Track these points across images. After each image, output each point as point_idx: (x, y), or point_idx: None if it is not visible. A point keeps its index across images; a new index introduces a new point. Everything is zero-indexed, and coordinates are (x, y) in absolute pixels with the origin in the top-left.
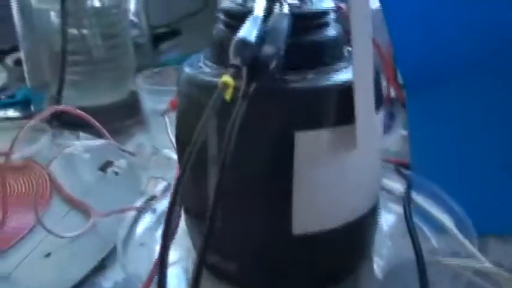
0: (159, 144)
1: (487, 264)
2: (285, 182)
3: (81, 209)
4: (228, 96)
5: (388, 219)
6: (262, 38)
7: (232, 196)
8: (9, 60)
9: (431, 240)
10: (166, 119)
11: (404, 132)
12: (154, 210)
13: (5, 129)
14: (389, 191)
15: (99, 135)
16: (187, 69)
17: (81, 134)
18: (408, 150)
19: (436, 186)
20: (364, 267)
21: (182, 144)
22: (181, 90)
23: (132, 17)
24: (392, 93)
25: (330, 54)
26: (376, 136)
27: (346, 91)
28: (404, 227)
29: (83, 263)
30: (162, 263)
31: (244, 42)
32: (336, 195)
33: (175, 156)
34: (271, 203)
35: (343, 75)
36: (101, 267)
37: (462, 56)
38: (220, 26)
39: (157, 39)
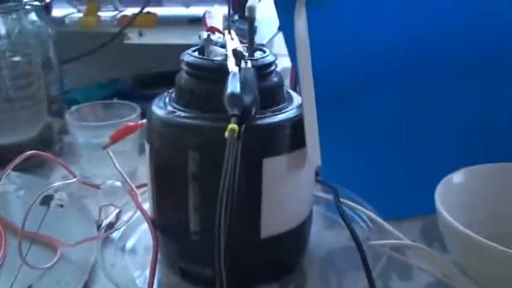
0: (91, 175)
1: (408, 241)
2: (256, 197)
3: (42, 242)
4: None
5: None
6: (241, 89)
7: (213, 208)
8: None
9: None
10: (110, 152)
11: None
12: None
13: None
14: None
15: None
16: (159, 112)
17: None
18: None
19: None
20: (305, 258)
21: (160, 176)
22: (158, 130)
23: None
24: None
25: (277, 95)
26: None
27: (297, 124)
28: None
29: None
30: None
31: (236, 96)
32: (292, 203)
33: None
34: (244, 215)
35: (291, 112)
36: None
37: (357, 75)
38: (184, 75)
39: None
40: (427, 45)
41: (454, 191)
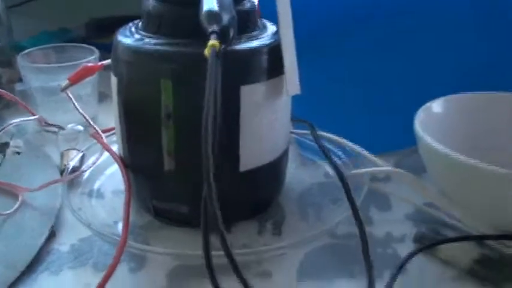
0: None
1: (390, 168)
2: (234, 128)
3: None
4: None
5: None
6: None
7: (188, 145)
8: None
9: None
10: (70, 94)
11: None
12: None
13: None
14: None
15: None
16: (127, 40)
17: None
18: None
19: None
20: (282, 194)
21: (130, 112)
22: (126, 60)
23: None
24: None
25: (252, 21)
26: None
27: (273, 50)
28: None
29: (34, 233)
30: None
31: (214, 12)
32: (270, 134)
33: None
34: (223, 147)
35: (266, 38)
36: (51, 234)
37: (334, 12)
38: (152, 1)
39: None
40: None
41: (433, 119)
